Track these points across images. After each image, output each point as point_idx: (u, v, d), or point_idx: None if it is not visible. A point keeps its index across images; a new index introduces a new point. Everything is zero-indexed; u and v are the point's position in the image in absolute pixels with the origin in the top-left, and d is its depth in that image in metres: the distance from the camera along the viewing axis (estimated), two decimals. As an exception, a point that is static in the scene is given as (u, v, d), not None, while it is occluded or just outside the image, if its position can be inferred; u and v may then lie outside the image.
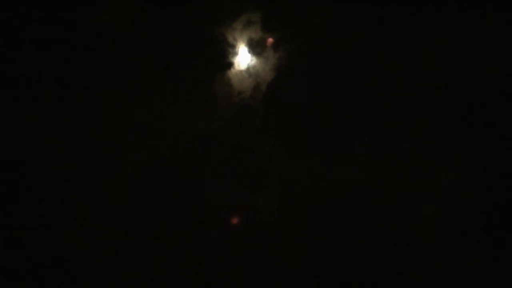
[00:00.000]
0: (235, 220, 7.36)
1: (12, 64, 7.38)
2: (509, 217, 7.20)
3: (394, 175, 7.34)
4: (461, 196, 7.28)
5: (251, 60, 7.49)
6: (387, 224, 7.27)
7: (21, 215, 7.21)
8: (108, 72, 7.42)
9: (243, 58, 7.52)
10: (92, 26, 7.45)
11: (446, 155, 7.36)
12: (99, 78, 7.43)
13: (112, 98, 7.41)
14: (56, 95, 7.38)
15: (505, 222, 7.20)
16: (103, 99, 7.40)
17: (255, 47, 7.48)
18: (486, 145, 7.34)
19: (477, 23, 7.42)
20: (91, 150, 7.35)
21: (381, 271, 7.19)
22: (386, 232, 7.26)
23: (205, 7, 7.51)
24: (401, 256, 7.21)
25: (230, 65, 7.48)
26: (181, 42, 7.47)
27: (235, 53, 7.55)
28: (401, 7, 7.44)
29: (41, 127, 7.34)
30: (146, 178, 7.36)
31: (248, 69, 7.50)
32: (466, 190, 7.28)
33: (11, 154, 7.28)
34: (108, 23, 7.47)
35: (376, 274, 7.19)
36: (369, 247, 7.24)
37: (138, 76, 7.45)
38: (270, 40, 7.47)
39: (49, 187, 7.25)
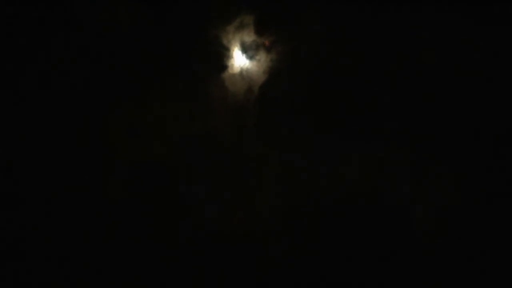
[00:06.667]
0: (234, 220, 7.37)
1: (12, 64, 7.40)
2: (509, 217, 7.19)
3: (393, 175, 7.33)
4: (461, 196, 7.27)
5: (244, 64, 7.49)
6: (387, 224, 7.28)
7: (21, 215, 7.26)
8: (107, 72, 7.44)
9: (237, 61, 7.54)
10: (92, 26, 7.46)
11: (445, 155, 7.35)
12: (99, 78, 7.44)
13: (112, 99, 7.42)
14: (56, 95, 7.41)
15: (504, 222, 7.19)
16: (102, 100, 7.42)
17: (248, 50, 7.48)
18: (487, 145, 7.32)
19: (477, 23, 7.39)
20: (90, 150, 7.37)
21: (380, 271, 7.20)
22: (385, 232, 7.27)
23: (205, 8, 7.51)
24: (400, 256, 7.22)
25: (224, 68, 7.49)
26: (181, 43, 7.48)
27: (229, 56, 7.55)
28: (399, 7, 7.41)
29: (40, 127, 7.37)
30: (145, 178, 7.38)
31: (241, 72, 7.51)
32: (466, 190, 7.27)
33: (10, 154, 7.32)
34: (108, 23, 7.47)
35: (376, 274, 7.20)
36: (369, 247, 7.25)
37: (138, 77, 7.46)
38: (267, 42, 7.47)
39: (49, 187, 7.28)
